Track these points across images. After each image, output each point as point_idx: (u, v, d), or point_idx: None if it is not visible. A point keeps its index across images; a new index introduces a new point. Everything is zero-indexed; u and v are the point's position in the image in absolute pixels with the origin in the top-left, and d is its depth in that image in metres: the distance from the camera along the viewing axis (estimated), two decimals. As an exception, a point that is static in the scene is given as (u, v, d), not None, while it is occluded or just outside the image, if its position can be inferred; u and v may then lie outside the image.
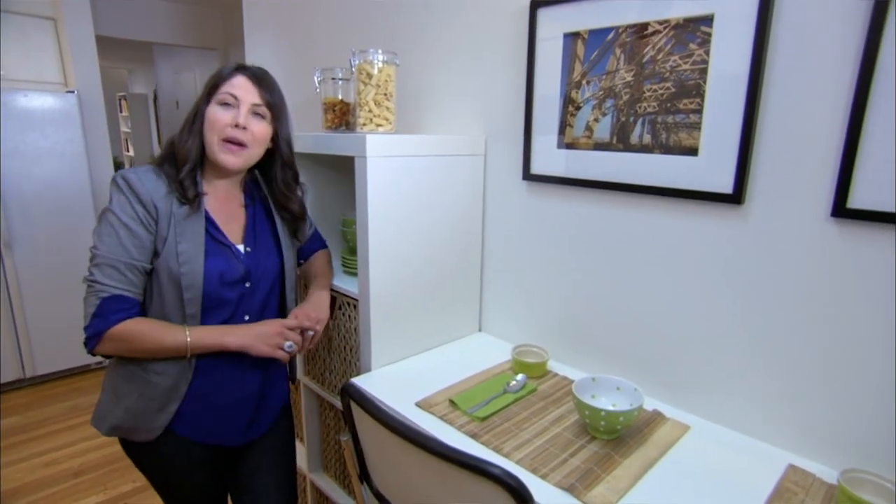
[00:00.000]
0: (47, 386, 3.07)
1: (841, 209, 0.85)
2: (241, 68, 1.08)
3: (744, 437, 1.02)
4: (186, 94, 4.45)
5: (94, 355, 1.03)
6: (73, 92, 2.93)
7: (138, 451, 1.11)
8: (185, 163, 1.04)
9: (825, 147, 0.86)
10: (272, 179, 1.18)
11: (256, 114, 1.07)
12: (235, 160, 1.06)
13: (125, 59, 6.62)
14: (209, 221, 1.07)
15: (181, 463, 1.12)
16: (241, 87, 1.05)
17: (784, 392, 0.97)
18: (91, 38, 3.13)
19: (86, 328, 0.99)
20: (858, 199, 0.83)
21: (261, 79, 1.08)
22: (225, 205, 1.12)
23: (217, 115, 1.04)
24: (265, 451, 1.24)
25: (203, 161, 1.09)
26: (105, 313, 0.98)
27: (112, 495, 2.13)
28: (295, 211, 1.21)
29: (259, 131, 1.07)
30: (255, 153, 1.09)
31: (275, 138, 1.13)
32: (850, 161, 0.83)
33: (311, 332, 1.17)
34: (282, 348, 1.09)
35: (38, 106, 2.84)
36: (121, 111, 6.93)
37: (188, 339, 1.01)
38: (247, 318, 1.12)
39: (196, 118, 1.06)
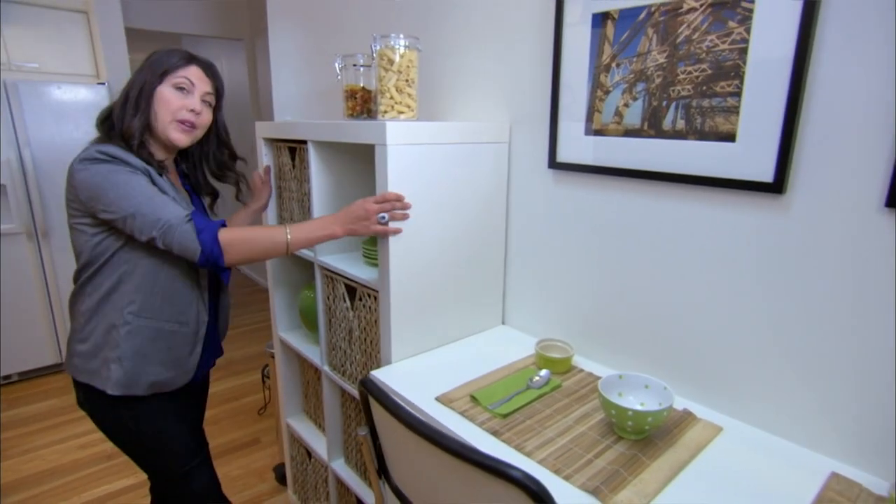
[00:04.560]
0: (83, 371, 3.17)
1: (896, 199, 0.78)
2: (194, 59, 1.19)
3: (781, 440, 0.96)
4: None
5: (228, 269, 1.14)
6: (103, 84, 2.98)
7: (129, 406, 1.18)
8: (130, 139, 1.11)
9: (879, 131, 0.79)
10: (206, 158, 1.32)
11: (205, 101, 1.20)
12: (185, 138, 1.18)
13: (157, 52, 6.75)
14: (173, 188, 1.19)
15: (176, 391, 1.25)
16: (195, 75, 1.17)
17: (826, 394, 0.91)
18: (121, 30, 3.19)
19: (202, 251, 1.05)
20: (916, 187, 0.76)
21: (212, 70, 1.22)
22: (173, 179, 1.25)
23: (172, 98, 1.14)
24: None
25: (144, 138, 1.16)
26: (203, 230, 1.06)
27: (143, 478, 2.18)
28: (218, 187, 1.39)
29: (207, 118, 1.22)
30: (199, 135, 1.23)
31: (214, 123, 1.27)
32: (906, 146, 0.76)
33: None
34: (378, 223, 1.14)
35: (72, 98, 2.91)
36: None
37: (287, 238, 1.13)
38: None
39: (142, 96, 1.12)
